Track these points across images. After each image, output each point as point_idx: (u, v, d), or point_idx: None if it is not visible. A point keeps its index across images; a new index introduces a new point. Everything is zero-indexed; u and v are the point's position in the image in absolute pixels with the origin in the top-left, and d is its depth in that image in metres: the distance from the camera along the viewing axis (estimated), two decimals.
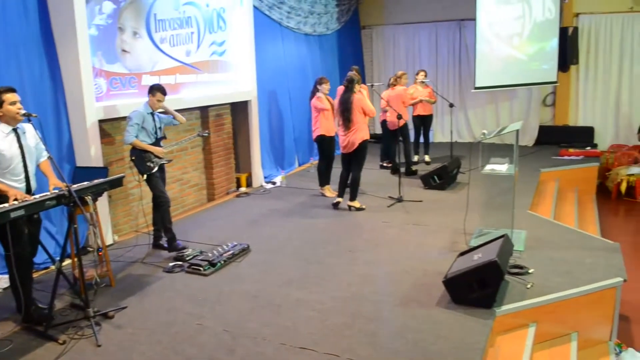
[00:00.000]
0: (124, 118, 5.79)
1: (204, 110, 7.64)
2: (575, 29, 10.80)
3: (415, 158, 9.64)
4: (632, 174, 9.77)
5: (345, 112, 6.75)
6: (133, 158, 5.44)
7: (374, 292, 4.52)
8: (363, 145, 6.82)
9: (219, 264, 5.13)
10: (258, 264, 5.26)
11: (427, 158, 9.78)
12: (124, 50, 6.14)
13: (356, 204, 7.00)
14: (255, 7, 8.41)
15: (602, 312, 4.78)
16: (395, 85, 8.73)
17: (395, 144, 8.63)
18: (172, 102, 6.10)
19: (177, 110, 5.94)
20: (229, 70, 7.97)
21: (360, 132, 6.77)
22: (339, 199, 7.15)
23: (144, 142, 5.44)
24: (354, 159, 6.91)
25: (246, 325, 4.03)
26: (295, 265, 5.21)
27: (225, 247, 5.50)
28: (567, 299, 4.48)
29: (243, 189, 8.21)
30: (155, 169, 5.51)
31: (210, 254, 5.30)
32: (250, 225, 6.56)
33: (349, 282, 4.75)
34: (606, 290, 4.68)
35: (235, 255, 5.38)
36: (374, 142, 10.11)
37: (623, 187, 9.78)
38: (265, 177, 8.69)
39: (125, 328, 4.06)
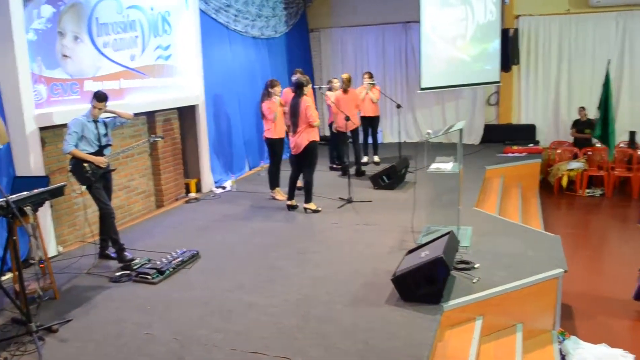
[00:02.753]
0: (65, 125, 5.62)
1: (150, 115, 7.51)
2: (516, 30, 11.17)
3: (365, 159, 9.74)
4: (572, 169, 10.18)
5: (293, 115, 6.79)
6: (70, 169, 5.28)
7: (325, 293, 4.55)
8: (311, 147, 6.86)
9: (167, 272, 5.06)
10: (208, 270, 5.21)
11: (376, 159, 9.89)
12: (64, 56, 5.97)
13: (312, 206, 7.03)
14: (201, 11, 8.33)
15: (545, 302, 4.96)
16: (347, 88, 8.78)
17: (345, 145, 8.71)
18: (116, 107, 5.94)
19: None
20: (175, 74, 7.86)
21: (308, 134, 6.81)
22: (292, 202, 7.16)
23: (85, 151, 5.26)
24: (304, 161, 6.95)
25: (196, 333, 3.98)
26: (246, 269, 5.19)
27: (174, 254, 5.41)
28: (511, 291, 4.64)
29: (192, 195, 8.10)
30: (95, 179, 5.34)
31: (158, 262, 5.22)
32: (200, 231, 6.49)
33: (301, 284, 4.76)
34: (548, 281, 4.86)
35: (184, 262, 5.31)
36: (323, 144, 10.18)
37: (564, 181, 10.19)
38: (215, 182, 8.61)
39: (70, 342, 3.95)
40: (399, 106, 9.51)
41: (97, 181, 5.35)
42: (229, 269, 5.22)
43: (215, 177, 8.70)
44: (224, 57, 9.25)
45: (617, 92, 10.90)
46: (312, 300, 4.43)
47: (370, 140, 9.98)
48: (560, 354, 4.87)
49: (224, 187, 8.53)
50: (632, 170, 10.19)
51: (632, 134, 10.63)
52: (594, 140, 10.39)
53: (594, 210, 9.61)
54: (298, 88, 6.84)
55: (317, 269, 5.11)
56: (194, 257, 5.48)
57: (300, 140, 6.81)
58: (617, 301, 5.80)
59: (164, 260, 5.26)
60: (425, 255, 4.36)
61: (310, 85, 7.20)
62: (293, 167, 7.15)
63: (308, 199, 7.01)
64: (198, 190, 8.37)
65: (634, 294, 5.65)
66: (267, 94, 7.46)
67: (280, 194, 7.68)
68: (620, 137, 10.89)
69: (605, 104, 9.66)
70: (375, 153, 10.03)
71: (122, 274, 5.11)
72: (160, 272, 5.02)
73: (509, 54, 10.98)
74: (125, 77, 6.89)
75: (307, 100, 6.79)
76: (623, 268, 6.13)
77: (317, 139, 6.96)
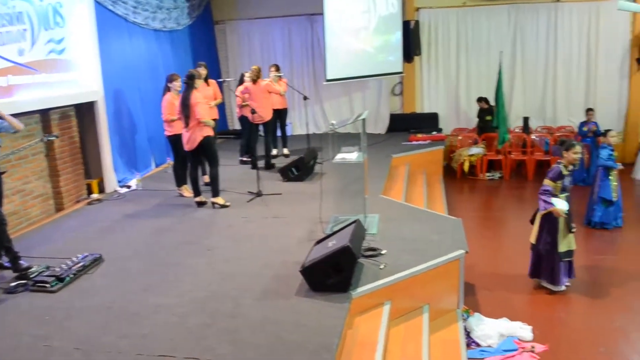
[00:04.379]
0: None
1: (44, 113, 7.07)
2: (417, 22, 11.56)
3: (274, 152, 9.70)
4: (473, 154, 10.72)
5: (184, 109, 6.63)
6: None
7: (234, 289, 4.50)
8: (206, 143, 6.73)
9: (67, 279, 4.79)
10: (112, 274, 5.00)
11: (285, 151, 9.89)
12: None
13: (220, 200, 6.92)
14: (97, 2, 7.92)
15: (449, 283, 5.18)
16: (257, 79, 8.68)
17: (255, 138, 8.64)
18: (5, 106, 5.57)
19: (12, 115, 5.39)
20: (70, 69, 7.44)
21: (201, 130, 6.66)
22: (200, 198, 7.01)
23: None
24: (204, 157, 6.83)
25: (100, 340, 3.81)
26: (152, 270, 5.03)
27: (74, 259, 5.14)
28: (417, 274, 4.80)
29: (95, 196, 7.74)
30: None
31: (57, 269, 4.93)
32: (103, 233, 6.21)
33: (209, 281, 4.68)
34: (451, 262, 5.08)
35: (86, 267, 5.06)
36: (234, 138, 10.08)
37: (466, 166, 10.70)
38: (119, 181, 8.26)
39: None
40: (305, 98, 9.55)
41: None
42: (133, 271, 5.04)
43: (119, 176, 8.34)
44: (124, 51, 8.87)
45: (511, 81, 11.59)
46: (221, 296, 4.37)
47: (279, 133, 9.97)
48: (465, 330, 5.12)
49: (128, 186, 8.20)
50: (526, 153, 10.89)
51: (526, 120, 11.35)
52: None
53: (493, 192, 10.17)
54: (189, 79, 6.67)
55: (225, 264, 5.04)
56: (97, 261, 5.23)
57: (194, 135, 6.67)
58: (516, 277, 6.17)
59: (63, 266, 4.98)
60: (332, 245, 4.42)
61: (202, 80, 7.06)
62: (191, 162, 7.01)
63: (215, 194, 6.90)
64: (101, 190, 8.00)
65: (529, 272, 6.03)
66: (167, 89, 7.26)
67: (188, 191, 7.50)
68: (516, 123, 11.60)
69: (496, 93, 10.26)
70: (285, 145, 10.02)
71: (17, 284, 4.78)
72: (59, 279, 4.75)
73: (411, 45, 11.34)
74: (13, 73, 6.43)
75: (196, 96, 6.62)
76: (520, 246, 6.50)
77: (212, 133, 6.83)
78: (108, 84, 8.12)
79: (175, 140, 7.33)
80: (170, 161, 9.16)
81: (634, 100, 11.38)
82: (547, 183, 5.67)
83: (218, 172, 6.91)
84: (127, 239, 5.94)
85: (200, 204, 7.00)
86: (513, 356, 4.81)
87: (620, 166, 7.65)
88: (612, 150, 7.63)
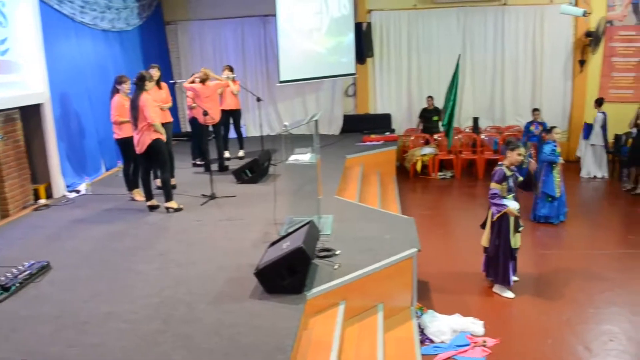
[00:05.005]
0: None
1: None
2: (369, 24, 11.69)
3: (227, 154, 9.60)
4: (425, 154, 10.93)
5: (133, 111, 6.52)
6: None
7: (188, 293, 4.45)
8: (155, 146, 6.61)
9: (13, 288, 4.63)
10: (60, 281, 4.85)
11: (241, 153, 9.83)
12: None
13: (173, 204, 6.81)
14: (42, 1, 7.67)
15: (402, 281, 5.27)
16: (205, 81, 8.60)
17: (207, 140, 8.56)
18: None
19: None
20: (13, 71, 7.18)
21: (150, 133, 6.55)
22: (152, 202, 6.89)
23: None
24: (154, 160, 6.71)
25: (47, 350, 3.69)
26: (102, 277, 4.90)
27: (20, 267, 4.96)
28: (370, 273, 4.86)
29: (42, 201, 7.50)
30: None
31: (3, 278, 4.74)
32: (50, 240, 6.02)
33: (162, 286, 4.61)
34: (404, 261, 5.17)
35: (33, 275, 4.89)
36: (185, 141, 9.95)
37: (418, 166, 10.91)
38: (67, 186, 8.02)
39: None
40: (259, 100, 9.53)
41: None
42: (83, 278, 4.90)
43: (68, 181, 8.10)
44: (71, 52, 8.63)
45: (461, 82, 11.84)
46: (174, 301, 4.31)
47: (234, 135, 9.90)
48: (419, 327, 5.21)
49: (78, 191, 7.98)
50: (476, 153, 11.17)
51: (476, 120, 11.65)
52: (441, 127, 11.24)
53: (445, 191, 10.39)
54: (140, 81, 6.55)
55: (178, 269, 4.97)
56: (44, 268, 5.07)
57: (143, 138, 6.56)
58: (468, 274, 6.32)
59: (8, 275, 4.80)
60: (286, 246, 4.42)
61: (153, 82, 6.96)
62: (142, 166, 6.88)
63: (168, 198, 6.79)
64: (49, 195, 7.76)
65: (483, 268, 6.15)
66: (115, 90, 7.11)
67: (140, 195, 7.36)
68: (466, 123, 11.88)
69: (449, 95, 10.49)
70: (241, 147, 9.95)
71: None
72: (4, 288, 4.58)
73: (363, 47, 11.46)
74: None
75: (146, 99, 6.51)
76: (472, 243, 6.65)
77: (162, 137, 6.71)
78: (55, 85, 7.89)
79: (124, 144, 7.18)
80: (120, 165, 8.97)
81: (577, 101, 11.85)
82: (494, 186, 5.74)
83: (168, 176, 6.80)
84: (77, 246, 5.77)
85: (153, 208, 6.88)
86: (465, 351, 4.92)
87: (561, 160, 7.97)
88: (556, 146, 7.95)
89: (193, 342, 3.70)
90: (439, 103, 11.27)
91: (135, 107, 6.48)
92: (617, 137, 10.69)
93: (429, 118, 11.47)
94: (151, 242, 5.78)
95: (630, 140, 10.16)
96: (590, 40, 11.34)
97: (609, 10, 11.46)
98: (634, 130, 9.73)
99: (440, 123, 11.30)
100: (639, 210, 8.55)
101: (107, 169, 9.43)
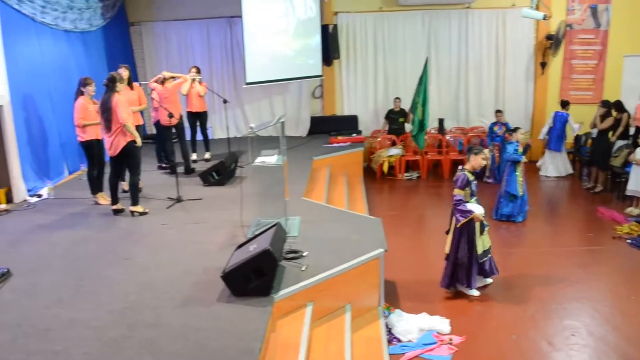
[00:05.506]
0: None
1: None
2: (335, 26, 11.72)
3: (194, 156, 9.52)
4: (392, 155, 11.03)
5: (105, 113, 6.40)
6: None
7: (154, 298, 4.40)
8: (130, 148, 6.53)
9: None
10: (21, 288, 4.74)
11: (207, 155, 9.74)
12: None
13: (139, 208, 6.72)
14: (1, 1, 7.48)
15: (369, 281, 5.32)
16: (164, 82, 8.52)
17: (171, 143, 8.46)
18: None
19: None
20: None
21: (125, 135, 6.46)
22: (118, 206, 6.78)
23: None
24: (126, 163, 6.61)
25: (8, 359, 3.61)
26: (65, 283, 4.81)
27: None
28: (338, 274, 4.90)
29: (2, 206, 7.29)
30: None
31: None
32: (10, 246, 5.86)
33: (127, 291, 4.55)
34: (371, 261, 5.23)
35: None
36: (150, 143, 9.82)
37: (385, 167, 11.00)
38: (28, 190, 7.82)
39: None
40: (225, 101, 9.46)
41: None
42: (45, 284, 4.80)
43: (29, 185, 7.90)
44: (32, 53, 8.41)
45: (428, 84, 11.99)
46: (140, 307, 4.26)
47: (201, 137, 9.81)
48: (387, 327, 5.25)
49: (39, 195, 7.79)
50: (442, 153, 11.34)
51: (441, 121, 11.82)
52: (407, 128, 11.38)
53: (412, 191, 10.51)
54: (110, 82, 6.45)
55: (144, 273, 4.92)
56: (4, 275, 4.93)
57: (117, 141, 6.45)
58: (435, 273, 6.32)
59: None
60: (253, 249, 4.42)
61: (124, 83, 6.86)
62: (112, 169, 6.77)
63: (134, 202, 6.69)
64: (9, 200, 7.55)
65: (442, 283, 6.03)
66: (79, 93, 6.99)
67: (104, 199, 7.24)
68: (432, 125, 12.02)
69: (417, 97, 10.65)
70: (208, 149, 9.86)
71: None
72: None
73: (330, 48, 11.49)
74: None
75: (118, 99, 6.42)
76: (438, 243, 6.71)
77: (137, 139, 6.62)
78: (15, 87, 7.68)
79: (88, 146, 7.06)
80: (84, 168, 8.81)
81: (539, 102, 12.13)
82: (458, 192, 5.69)
83: (137, 180, 6.71)
84: (38, 251, 5.64)
85: (118, 212, 6.77)
86: (432, 349, 4.99)
87: (524, 158, 8.18)
88: (518, 145, 8.15)
89: (158, 347, 3.67)
90: (407, 105, 11.39)
91: (107, 109, 6.36)
92: (577, 138, 10.98)
93: (395, 119, 11.57)
94: (116, 246, 5.69)
95: (589, 141, 10.47)
96: (551, 43, 11.62)
97: (569, 14, 11.78)
98: (594, 130, 10.02)
99: (406, 125, 11.47)
100: (598, 208, 8.80)
101: (70, 173, 9.23)
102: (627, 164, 9.03)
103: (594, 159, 10.00)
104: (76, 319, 4.12)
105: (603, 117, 9.70)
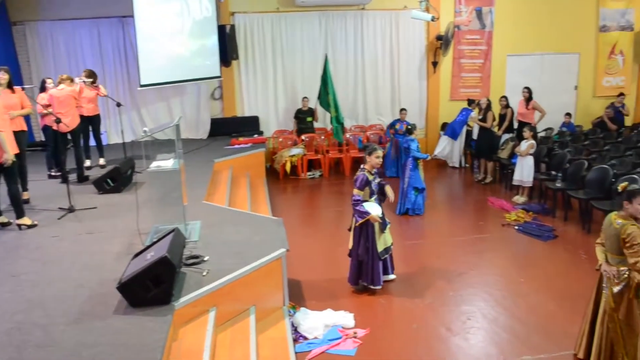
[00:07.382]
0: None
1: None
2: (232, 26, 11.60)
3: (88, 162, 9.04)
4: (294, 155, 11.12)
5: None
6: None
7: (44, 316, 4.13)
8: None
9: None
10: None
11: (101, 161, 9.26)
12: None
13: (26, 221, 6.26)
14: None
15: (273, 282, 5.33)
16: (60, 83, 8.05)
17: (65, 150, 7.99)
18: None
19: None
20: None
21: None
22: (2, 219, 6.30)
23: None
24: (2, 174, 6.15)
25: None
26: None
27: None
28: (240, 277, 4.86)
29: None
30: None
31: None
32: None
33: (13, 310, 4.23)
34: (273, 262, 5.24)
35: None
36: (40, 150, 9.24)
37: (288, 167, 11.07)
38: None
39: None
40: (119, 105, 9.09)
41: None
42: None
43: None
44: None
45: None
46: (28, 326, 3.99)
47: (93, 142, 9.33)
48: (292, 326, 5.29)
49: None
50: (342, 152, 11.60)
51: None
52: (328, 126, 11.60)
53: (315, 190, 10.66)
54: None
55: (33, 290, 4.60)
56: None
57: None
58: (339, 269, 6.49)
59: None
60: (150, 256, 4.27)
61: (3, 86, 6.40)
62: None
63: (20, 214, 6.23)
64: None
65: (349, 278, 6.16)
66: None
67: None
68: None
69: (324, 95, 10.90)
70: (101, 155, 9.39)
71: None
72: None
73: (228, 49, 11.36)
74: None
75: None
76: (341, 240, 6.85)
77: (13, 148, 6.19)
78: None
79: None
80: None
81: (432, 100, 12.72)
82: (357, 192, 5.76)
83: (16, 190, 6.24)
84: None
85: (3, 225, 6.30)
86: (338, 344, 5.09)
87: (428, 157, 8.61)
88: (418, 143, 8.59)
89: None
90: (312, 104, 11.58)
91: None
92: (468, 132, 11.64)
93: (304, 119, 11.69)
94: (1, 263, 5.29)
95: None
96: (441, 43, 12.22)
97: (456, 16, 12.45)
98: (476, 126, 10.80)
99: (314, 123, 11.77)
100: (488, 198, 9.38)
101: None
102: (513, 155, 9.71)
103: (480, 151, 10.71)
104: None
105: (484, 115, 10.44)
